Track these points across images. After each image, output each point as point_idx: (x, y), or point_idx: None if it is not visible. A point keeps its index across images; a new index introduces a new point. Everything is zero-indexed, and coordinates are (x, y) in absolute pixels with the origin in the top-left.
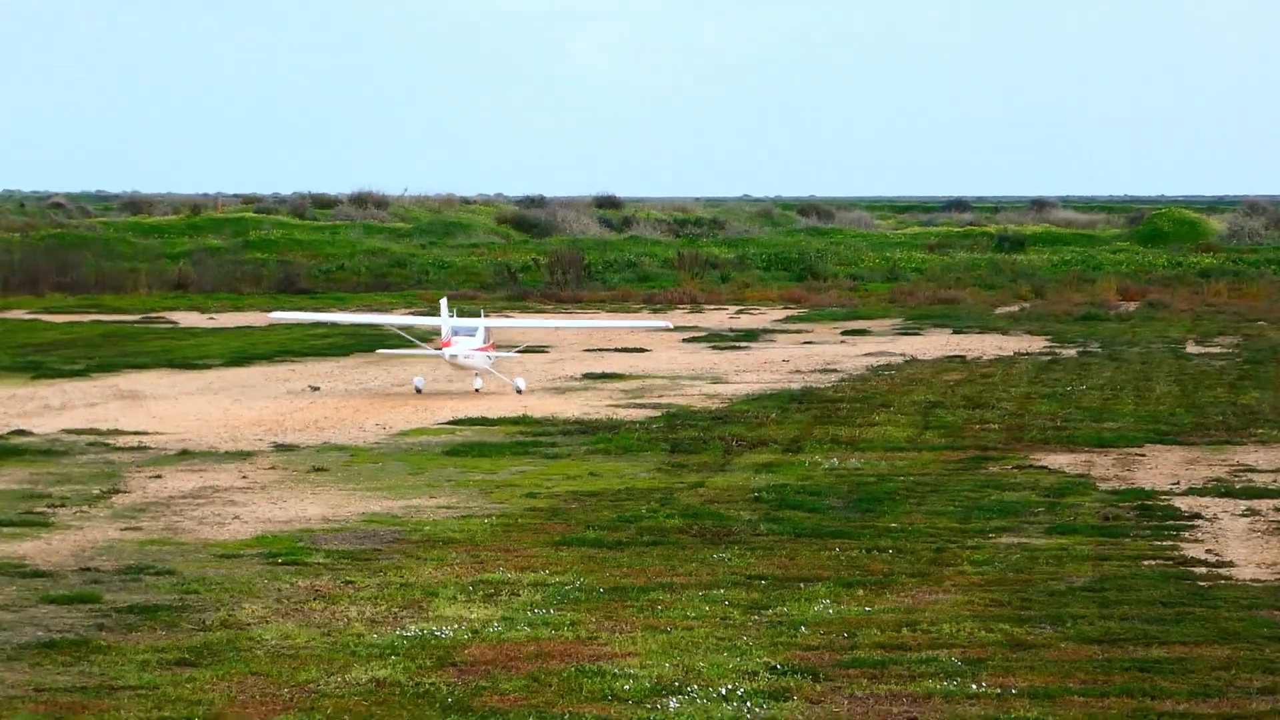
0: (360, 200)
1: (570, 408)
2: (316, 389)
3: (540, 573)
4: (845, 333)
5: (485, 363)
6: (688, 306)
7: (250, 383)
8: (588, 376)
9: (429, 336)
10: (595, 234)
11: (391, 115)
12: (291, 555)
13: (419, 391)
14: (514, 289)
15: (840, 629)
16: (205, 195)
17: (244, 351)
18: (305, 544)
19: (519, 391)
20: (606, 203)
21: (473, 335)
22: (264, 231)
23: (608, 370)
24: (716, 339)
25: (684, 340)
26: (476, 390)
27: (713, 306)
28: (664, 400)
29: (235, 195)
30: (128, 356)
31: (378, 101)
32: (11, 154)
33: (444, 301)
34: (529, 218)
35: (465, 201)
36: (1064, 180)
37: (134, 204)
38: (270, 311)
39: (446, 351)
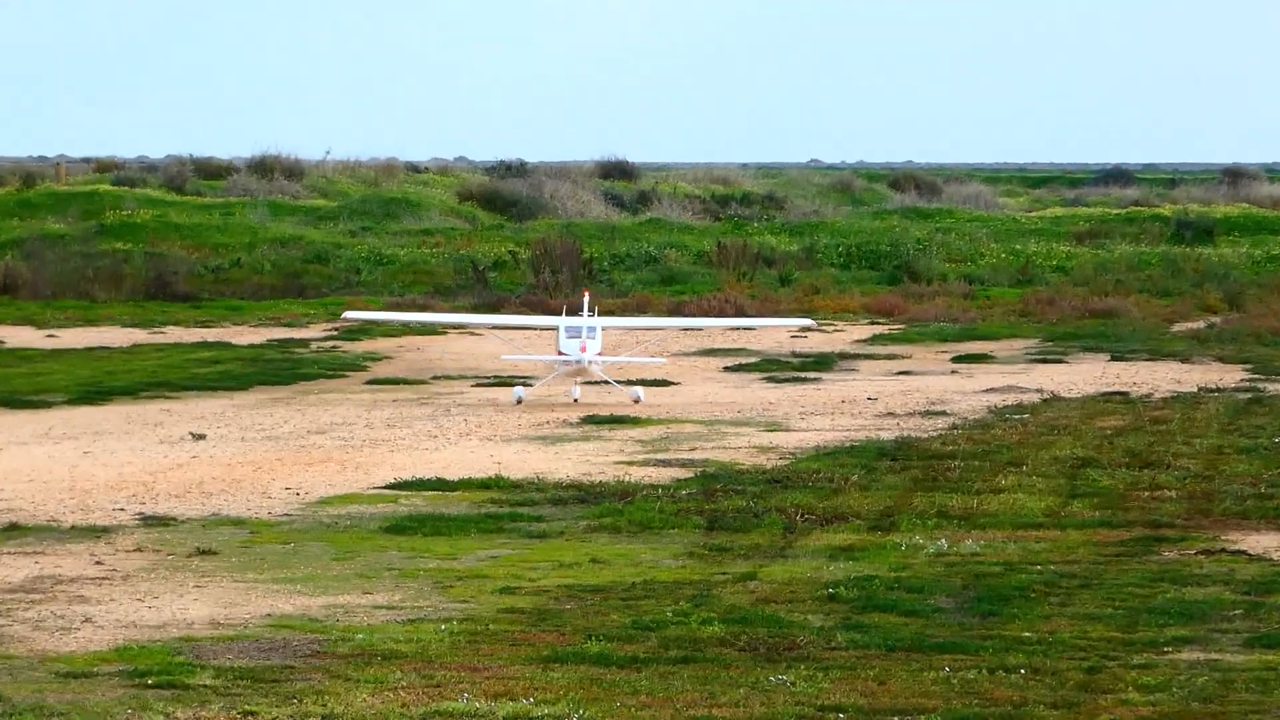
0: (263, 168)
1: (564, 465)
2: (201, 437)
3: (522, 702)
4: (957, 359)
5: (601, 370)
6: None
7: (107, 428)
8: (590, 421)
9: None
10: (599, 215)
11: (308, 49)
12: (166, 674)
13: (519, 403)
14: (482, 294)
15: None
16: (41, 160)
17: (98, 384)
18: (186, 658)
19: (637, 402)
20: (615, 171)
21: (594, 337)
22: (126, 212)
23: (618, 412)
24: (773, 367)
25: (725, 369)
26: (575, 400)
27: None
28: (698, 455)
29: (85, 160)
30: None
31: (287, 30)
32: None
33: (586, 296)
34: (505, 193)
35: (413, 169)
36: (1269, 142)
37: None
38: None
39: (580, 356)
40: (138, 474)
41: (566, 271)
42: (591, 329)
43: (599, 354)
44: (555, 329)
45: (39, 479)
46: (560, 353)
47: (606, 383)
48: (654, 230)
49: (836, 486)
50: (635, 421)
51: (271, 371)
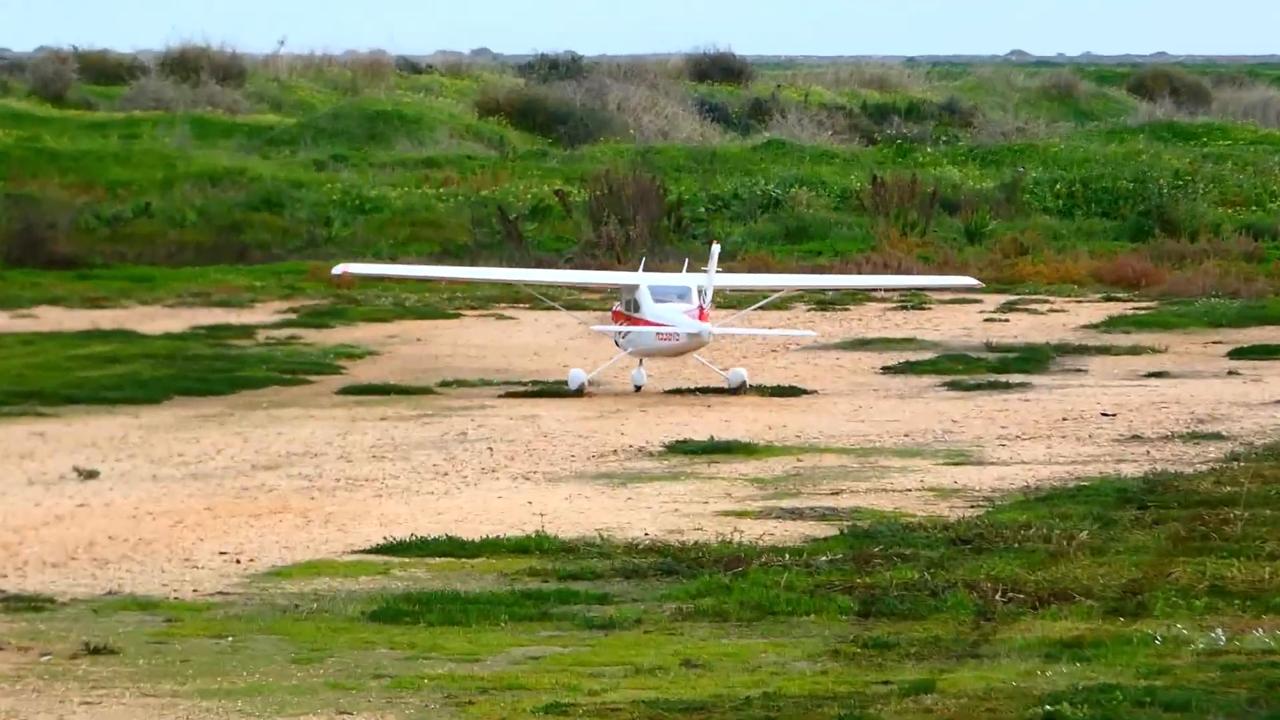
0: (184, 65)
1: (640, 517)
2: (92, 475)
3: None
4: (1236, 353)
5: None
6: (890, 299)
7: None
8: (675, 449)
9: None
10: (691, 137)
11: None
12: None
13: (638, 389)
14: (514, 256)
15: None
16: None
17: None
18: None
19: (739, 388)
20: (715, 69)
21: (688, 299)
22: None
23: (721, 434)
24: (957, 366)
25: (884, 369)
26: (637, 389)
27: (945, 297)
28: (844, 501)
29: None
30: None
31: None
32: None
33: (715, 249)
34: (548, 103)
35: (411, 69)
36: None
37: None
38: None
39: (692, 326)
40: None
41: (642, 222)
42: (684, 289)
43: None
44: (632, 290)
45: None
46: (647, 323)
47: (702, 363)
48: (775, 159)
49: (1056, 549)
50: (748, 450)
51: (198, 375)
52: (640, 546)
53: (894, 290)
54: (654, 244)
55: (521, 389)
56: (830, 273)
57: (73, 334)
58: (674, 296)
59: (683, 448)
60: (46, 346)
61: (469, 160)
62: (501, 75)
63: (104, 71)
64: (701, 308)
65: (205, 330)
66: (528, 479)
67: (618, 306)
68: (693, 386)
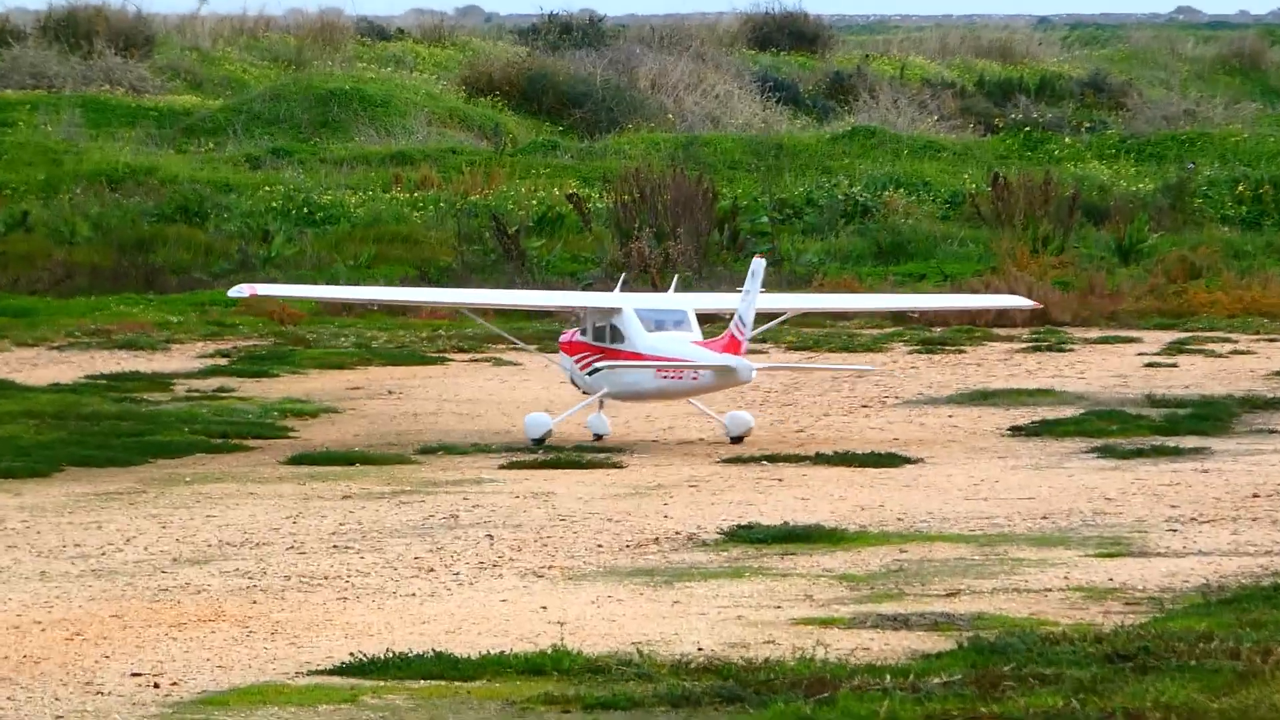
0: (73, 30)
1: (692, 625)
2: None
3: None
4: None
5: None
6: (1022, 333)
7: None
8: (737, 537)
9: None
10: (750, 124)
11: None
12: None
13: (599, 439)
14: (515, 279)
15: None
16: None
17: None
18: None
19: (736, 440)
20: (781, 34)
21: (686, 325)
22: None
23: (798, 516)
24: (1108, 426)
25: (1010, 431)
26: (598, 438)
27: (1090, 332)
28: (961, 605)
29: None
30: None
31: None
32: None
33: (759, 263)
34: (558, 80)
35: (375, 33)
36: None
37: None
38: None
39: (727, 359)
40: None
41: (685, 236)
42: (681, 316)
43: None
44: (607, 315)
45: None
46: (639, 357)
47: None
48: (862, 152)
49: (1247, 667)
50: (835, 537)
51: (98, 440)
52: (692, 665)
53: (923, 311)
54: (700, 263)
55: (530, 457)
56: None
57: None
58: (670, 323)
59: (747, 535)
60: None
61: (453, 155)
62: (496, 43)
63: None
64: (734, 337)
65: (106, 380)
66: (541, 576)
67: (574, 335)
68: (758, 454)
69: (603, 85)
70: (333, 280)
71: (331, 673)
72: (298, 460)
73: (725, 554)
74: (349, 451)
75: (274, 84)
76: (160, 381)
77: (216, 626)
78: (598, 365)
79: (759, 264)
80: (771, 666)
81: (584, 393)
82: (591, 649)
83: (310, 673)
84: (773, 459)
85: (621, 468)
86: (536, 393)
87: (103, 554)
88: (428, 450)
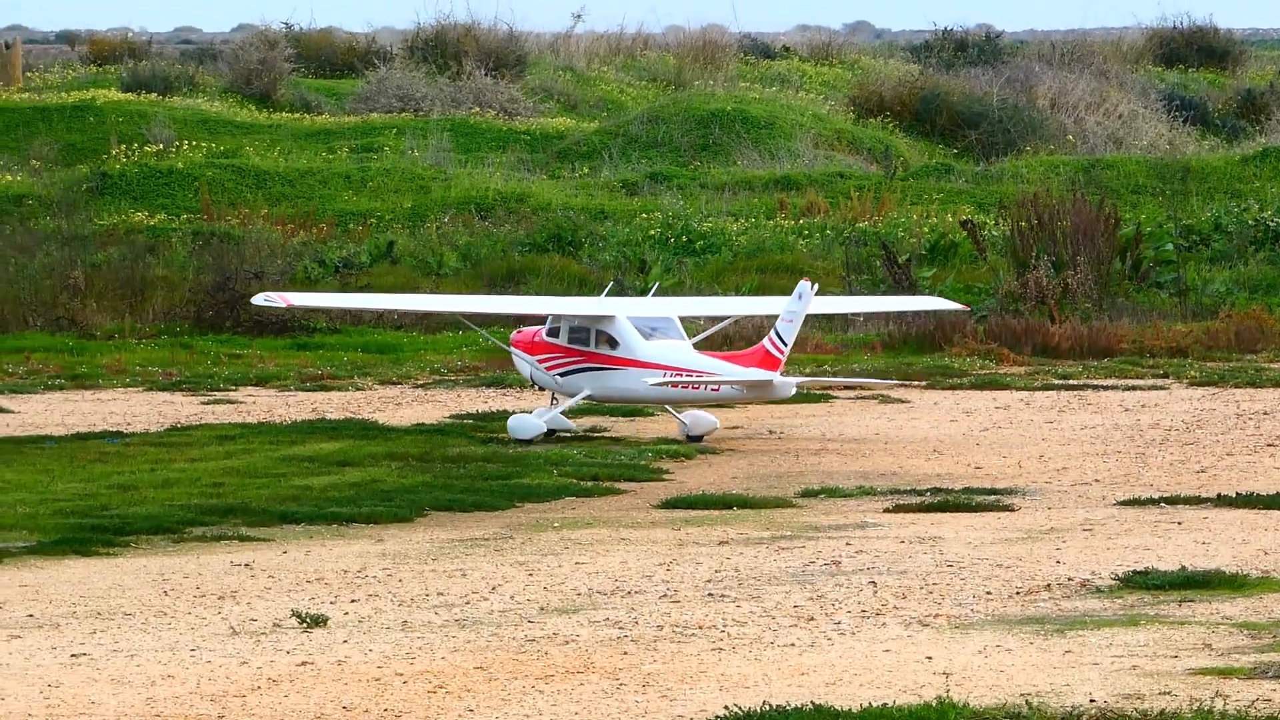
0: (441, 50)
1: (1081, 674)
2: (318, 622)
3: None
4: None
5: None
6: None
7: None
8: (1132, 583)
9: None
10: (1156, 145)
11: None
12: None
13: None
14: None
15: None
16: None
17: None
18: None
19: (695, 439)
20: (1189, 48)
21: (675, 332)
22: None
23: (1197, 561)
24: None
25: None
26: (551, 434)
27: None
28: None
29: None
30: None
31: None
32: None
33: (804, 285)
34: (950, 99)
35: (761, 51)
36: None
37: None
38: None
39: (760, 374)
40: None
41: (1084, 265)
42: (667, 322)
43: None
44: (595, 321)
45: None
46: (645, 365)
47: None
48: (1274, 174)
49: None
50: (1236, 583)
51: (463, 484)
52: (1084, 717)
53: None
54: (1101, 294)
55: (916, 500)
56: None
57: (287, 426)
58: (660, 331)
59: (1143, 580)
60: (253, 444)
61: (841, 180)
62: (887, 61)
63: (329, 59)
64: (769, 353)
65: (472, 420)
66: (926, 625)
67: (537, 335)
68: (1156, 496)
69: (999, 105)
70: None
71: None
72: (672, 504)
73: (1120, 601)
74: (726, 495)
75: (652, 105)
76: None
77: (585, 679)
78: (588, 367)
79: (804, 286)
80: (1167, 719)
81: (540, 390)
82: (978, 701)
83: None
84: (1171, 501)
85: (1012, 510)
86: (925, 431)
87: (467, 603)
88: (809, 493)
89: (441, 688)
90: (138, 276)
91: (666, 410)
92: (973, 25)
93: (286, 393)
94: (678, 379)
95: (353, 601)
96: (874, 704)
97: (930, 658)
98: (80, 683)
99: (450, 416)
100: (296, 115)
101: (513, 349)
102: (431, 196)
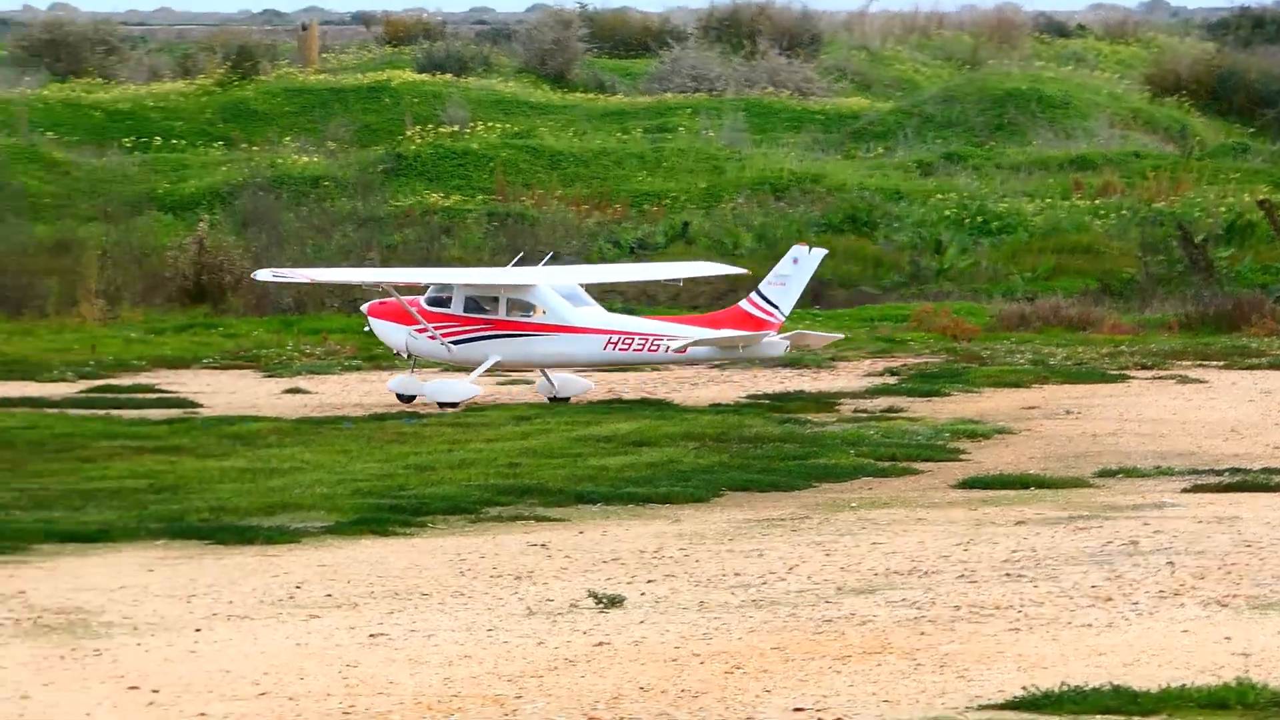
0: (735, 30)
1: None
2: (614, 602)
3: None
4: None
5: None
6: None
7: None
8: None
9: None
10: None
11: None
12: None
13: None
14: (1205, 291)
15: None
16: (276, 18)
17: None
18: None
19: (559, 400)
20: None
21: (584, 299)
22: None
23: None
24: None
25: None
26: (408, 399)
27: None
28: None
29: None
30: None
31: None
32: None
33: (800, 250)
34: (1248, 77)
35: (1056, 30)
36: None
37: None
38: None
39: (772, 336)
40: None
41: None
42: (572, 292)
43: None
44: (514, 290)
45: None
46: (578, 330)
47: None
48: None
49: None
50: None
51: (759, 464)
52: None
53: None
54: None
55: (1215, 480)
56: None
57: (583, 406)
58: (574, 298)
59: None
60: (549, 424)
61: (1137, 160)
62: (1183, 39)
63: (624, 39)
64: (753, 315)
65: (767, 400)
66: (1224, 605)
67: (418, 304)
68: None
69: None
70: (1009, 292)
71: (1003, 707)
72: (969, 484)
73: None
74: (1023, 475)
75: (947, 85)
76: (825, 401)
77: (882, 659)
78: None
79: (800, 250)
80: None
81: (414, 359)
82: (1279, 682)
83: (980, 707)
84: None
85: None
86: (1224, 412)
87: (763, 583)
88: (1106, 473)
89: (738, 668)
90: (433, 257)
91: (543, 374)
92: (1270, 1)
93: (583, 373)
94: (630, 342)
95: (649, 582)
96: (1172, 685)
97: (1229, 638)
98: (378, 662)
99: (747, 397)
100: (590, 95)
101: (374, 319)
102: (726, 177)
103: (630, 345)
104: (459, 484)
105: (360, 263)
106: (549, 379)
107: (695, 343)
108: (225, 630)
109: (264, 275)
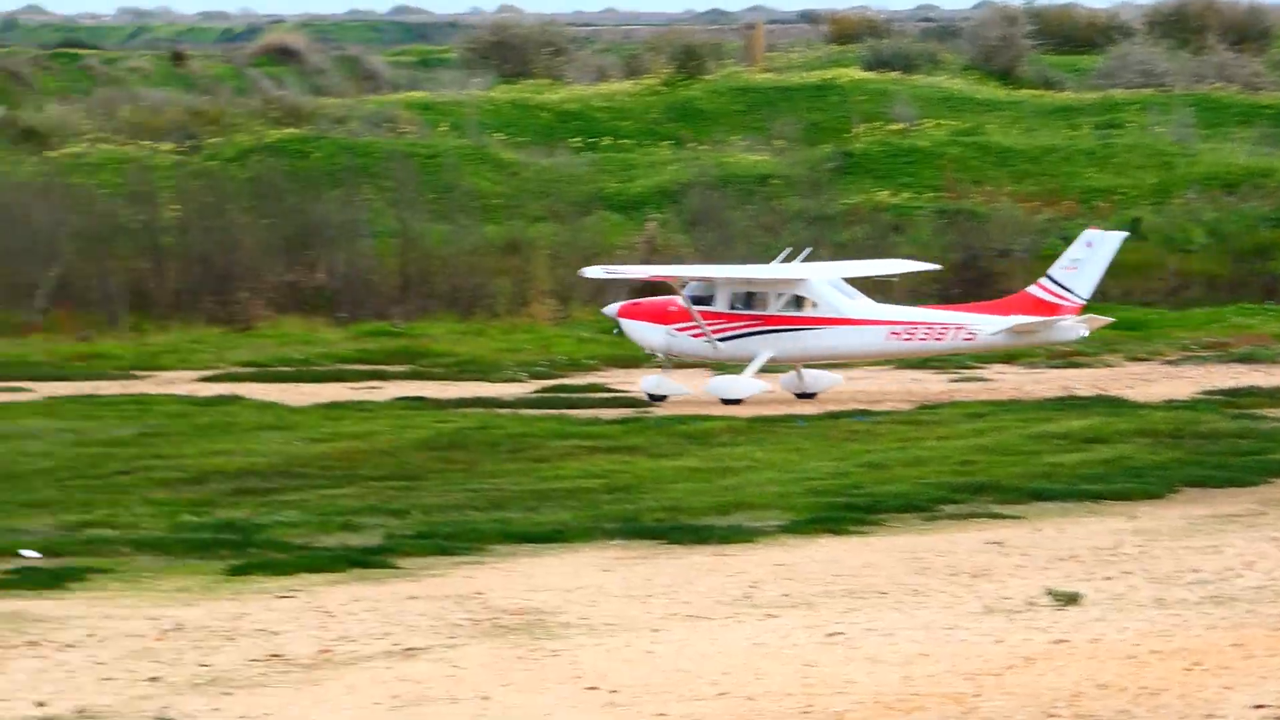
0: (1182, 25)
1: None
2: (1071, 599)
3: None
4: None
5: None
6: None
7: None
8: None
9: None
10: None
11: None
12: None
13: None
14: None
15: None
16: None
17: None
18: None
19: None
20: None
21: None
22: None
23: None
24: None
25: None
26: (657, 398)
27: None
28: None
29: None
30: None
31: None
32: None
33: (1092, 233)
34: None
35: None
36: None
37: None
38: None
39: (1068, 320)
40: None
41: None
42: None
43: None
44: (789, 285)
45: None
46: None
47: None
48: None
49: None
50: None
51: (1215, 460)
52: None
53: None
54: None
55: None
56: None
57: (1036, 403)
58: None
59: None
60: (1002, 421)
61: None
62: None
63: (1070, 35)
64: (1043, 299)
65: (1222, 396)
66: None
67: (673, 304)
68: None
69: None
70: None
71: None
72: None
73: None
74: None
75: None
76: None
77: None
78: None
79: (1094, 234)
80: None
81: (671, 359)
82: None
83: None
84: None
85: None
86: None
87: (1222, 579)
88: None
89: (1198, 665)
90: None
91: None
92: None
93: (1034, 369)
94: (914, 331)
95: (1106, 579)
96: None
97: None
98: (836, 661)
99: (1201, 392)
100: (1037, 92)
101: (627, 320)
102: (1176, 173)
103: (915, 335)
104: (913, 482)
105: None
106: (799, 374)
107: (1004, 329)
108: (682, 630)
109: (595, 272)
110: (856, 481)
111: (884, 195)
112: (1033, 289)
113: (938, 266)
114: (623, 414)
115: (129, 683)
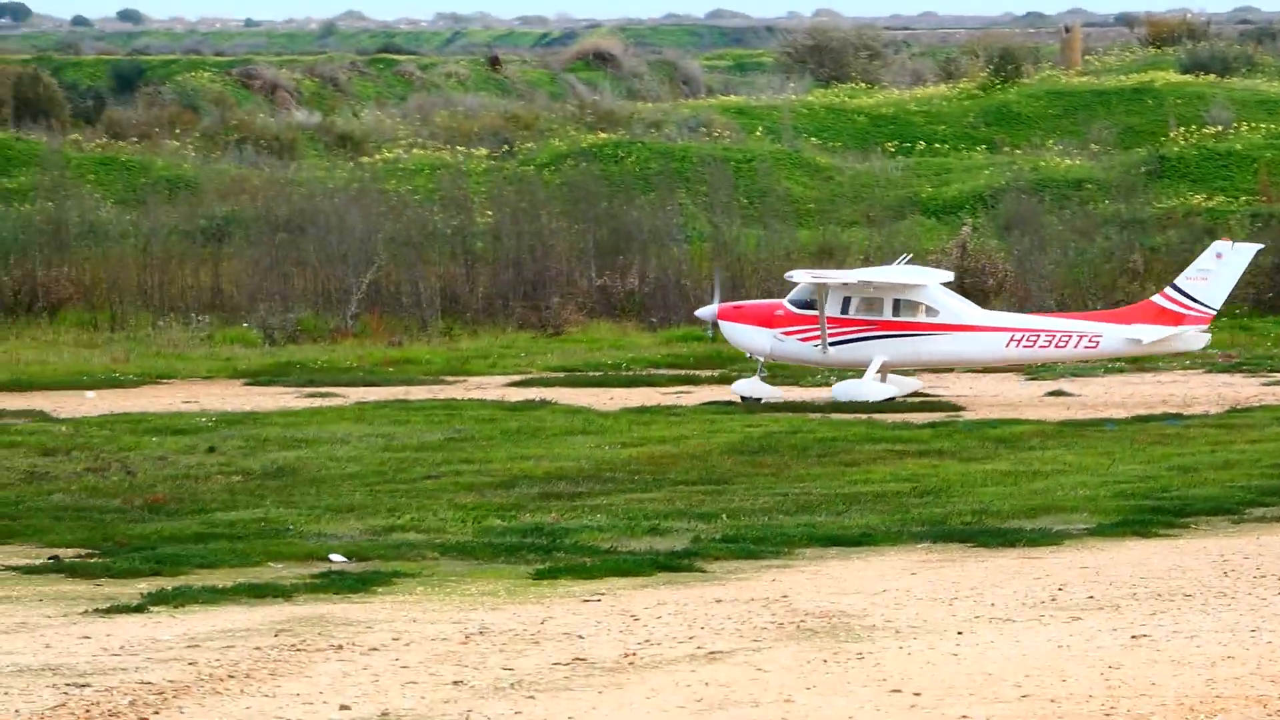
0: None
1: None
2: None
3: None
4: None
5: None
6: None
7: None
8: None
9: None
10: None
11: None
12: None
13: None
14: None
15: None
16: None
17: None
18: None
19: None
20: None
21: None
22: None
23: None
24: None
25: None
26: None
27: None
28: None
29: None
30: None
31: None
32: None
33: (1222, 245)
34: None
35: None
36: None
37: None
38: None
39: (1191, 330)
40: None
41: None
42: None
43: None
44: (905, 290)
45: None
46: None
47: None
48: None
49: None
50: None
51: None
52: None
53: None
54: None
55: None
56: None
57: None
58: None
59: None
60: None
61: None
62: None
63: None
64: (1167, 309)
65: None
66: None
67: (779, 308)
68: None
69: None
70: None
71: None
72: None
73: None
74: None
75: None
76: None
77: None
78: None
79: (1224, 245)
80: None
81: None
82: None
83: None
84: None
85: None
86: None
87: None
88: None
89: None
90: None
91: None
92: None
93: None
94: (1035, 339)
95: None
96: None
97: None
98: (1140, 664)
99: None
100: None
101: (728, 323)
102: None
103: (1036, 342)
104: (1222, 485)
105: (1122, 266)
106: (905, 382)
107: (1126, 337)
108: (987, 633)
109: (800, 275)
110: (1165, 485)
111: (1198, 199)
112: (1157, 298)
113: (949, 276)
114: (932, 418)
115: (433, 686)
